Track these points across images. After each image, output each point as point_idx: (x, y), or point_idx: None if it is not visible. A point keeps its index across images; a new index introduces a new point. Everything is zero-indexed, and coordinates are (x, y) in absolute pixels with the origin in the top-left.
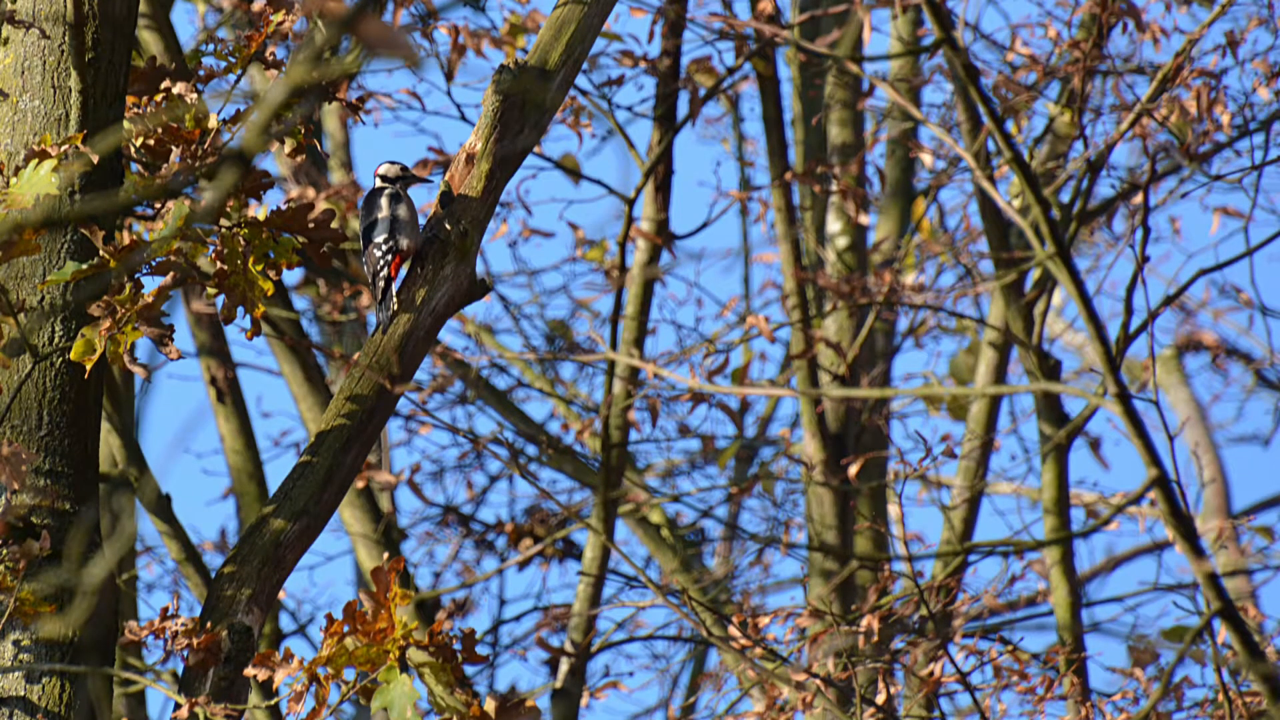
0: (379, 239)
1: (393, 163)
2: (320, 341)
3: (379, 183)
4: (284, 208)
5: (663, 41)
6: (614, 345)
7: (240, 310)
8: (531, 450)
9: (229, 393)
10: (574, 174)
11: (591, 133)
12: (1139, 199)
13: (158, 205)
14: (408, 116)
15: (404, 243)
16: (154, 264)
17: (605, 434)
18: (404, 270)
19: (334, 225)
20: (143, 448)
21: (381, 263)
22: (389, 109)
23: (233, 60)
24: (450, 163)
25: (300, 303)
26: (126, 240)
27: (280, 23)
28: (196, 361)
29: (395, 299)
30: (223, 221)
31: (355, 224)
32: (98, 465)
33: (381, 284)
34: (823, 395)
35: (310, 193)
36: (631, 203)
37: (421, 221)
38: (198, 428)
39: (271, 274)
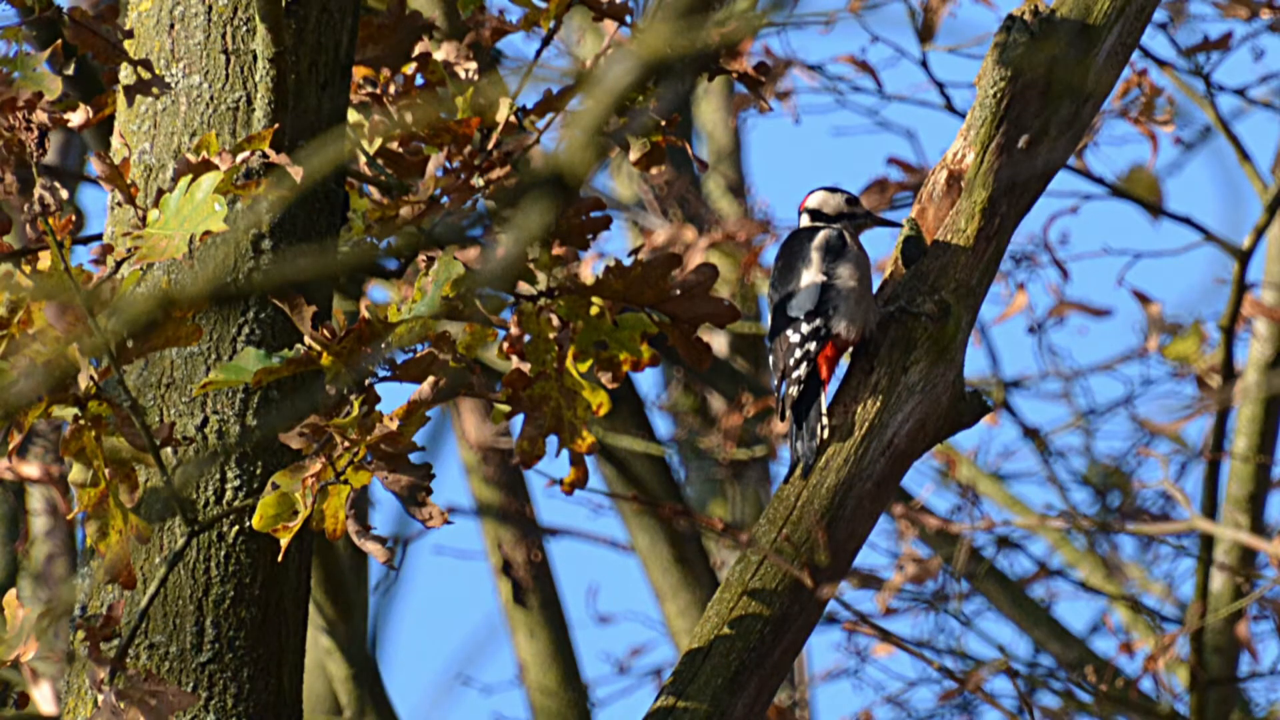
0: (800, 316)
1: (831, 190)
2: (696, 496)
3: (807, 221)
4: (629, 263)
5: None
6: (1211, 507)
7: (553, 442)
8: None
9: (533, 587)
10: (1150, 206)
11: (1174, 134)
12: None
13: (410, 259)
14: (855, 105)
15: (843, 325)
16: (400, 362)
17: (1196, 658)
18: (841, 371)
19: (718, 293)
20: (385, 682)
21: (802, 358)
22: (819, 91)
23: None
24: (920, 185)
25: (663, 425)
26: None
27: None
28: (477, 531)
29: (824, 422)
30: (523, 288)
31: (762, 288)
32: (300, 713)
33: (795, 393)
34: None
35: (688, 234)
36: (1245, 258)
37: (875, 286)
38: (483, 649)
39: (607, 380)
